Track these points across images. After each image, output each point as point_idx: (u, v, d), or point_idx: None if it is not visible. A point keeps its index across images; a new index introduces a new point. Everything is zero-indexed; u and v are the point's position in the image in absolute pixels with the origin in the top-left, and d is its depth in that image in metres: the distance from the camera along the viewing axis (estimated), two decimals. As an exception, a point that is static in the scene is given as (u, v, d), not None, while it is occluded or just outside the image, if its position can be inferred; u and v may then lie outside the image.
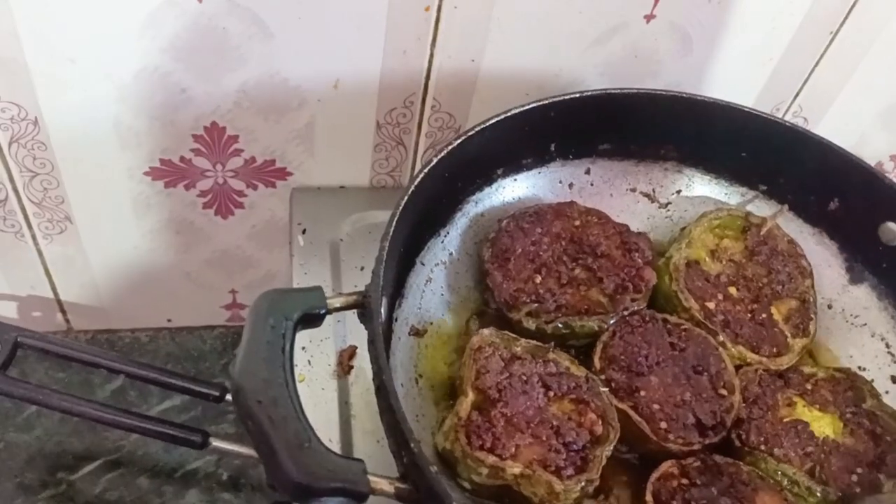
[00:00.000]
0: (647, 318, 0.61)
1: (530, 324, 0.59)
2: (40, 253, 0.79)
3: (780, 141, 0.65)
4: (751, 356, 0.61)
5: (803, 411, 0.59)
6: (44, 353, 0.73)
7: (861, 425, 0.58)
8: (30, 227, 0.76)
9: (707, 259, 0.65)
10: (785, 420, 0.58)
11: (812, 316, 0.64)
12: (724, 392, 0.58)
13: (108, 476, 0.80)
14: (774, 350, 0.61)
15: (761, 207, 0.68)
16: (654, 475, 0.54)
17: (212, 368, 0.89)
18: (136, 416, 0.75)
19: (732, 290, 0.64)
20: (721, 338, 0.61)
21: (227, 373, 0.89)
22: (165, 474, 0.81)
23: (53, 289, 0.83)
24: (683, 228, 0.67)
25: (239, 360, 0.43)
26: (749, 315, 0.63)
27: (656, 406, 0.56)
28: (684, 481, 0.53)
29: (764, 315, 0.63)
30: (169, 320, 0.90)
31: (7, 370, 0.70)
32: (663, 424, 0.56)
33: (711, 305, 0.62)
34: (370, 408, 0.63)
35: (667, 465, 0.54)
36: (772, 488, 0.54)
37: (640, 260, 0.63)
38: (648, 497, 0.53)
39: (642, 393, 0.57)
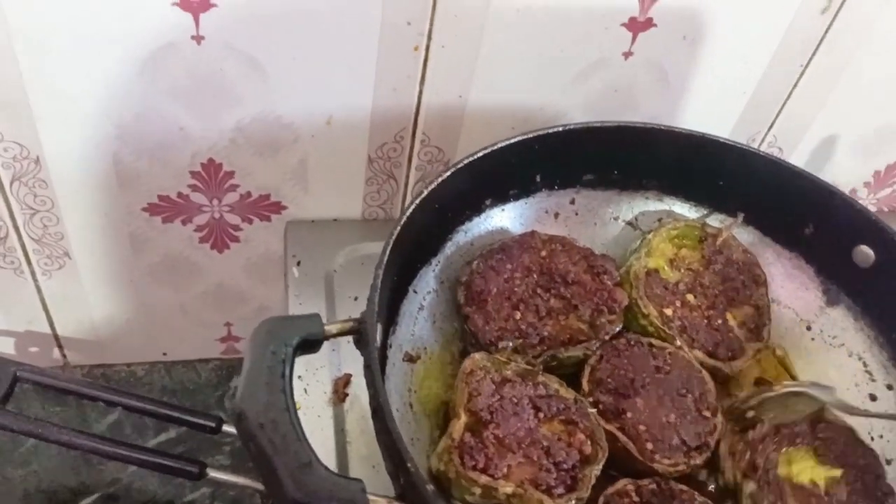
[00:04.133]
0: (633, 342, 0.63)
1: (518, 361, 0.60)
2: (39, 289, 0.80)
3: (755, 169, 0.68)
4: (707, 360, 0.63)
5: (797, 458, 0.60)
6: (42, 387, 0.75)
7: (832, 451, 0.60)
8: (29, 263, 0.77)
9: (666, 268, 0.68)
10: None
11: (766, 322, 0.67)
12: (707, 414, 0.60)
13: (104, 510, 0.81)
14: (729, 354, 0.64)
15: (739, 233, 0.70)
16: (610, 489, 0.55)
17: (207, 401, 0.90)
18: (135, 448, 0.75)
19: (690, 297, 0.67)
20: (678, 342, 0.63)
21: (222, 405, 0.90)
22: (162, 507, 0.82)
23: (51, 324, 0.84)
24: (643, 239, 0.69)
25: (241, 385, 0.45)
26: (705, 321, 0.66)
27: (643, 427, 0.58)
28: (636, 499, 0.55)
29: (720, 321, 0.66)
30: (164, 354, 0.91)
31: (6, 405, 0.71)
32: (650, 445, 0.57)
33: (669, 312, 0.65)
34: (365, 434, 0.64)
35: (623, 483, 0.56)
36: None
37: (609, 282, 0.65)
38: None
39: (629, 414, 0.59)
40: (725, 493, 0.59)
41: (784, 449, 0.60)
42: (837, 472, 0.59)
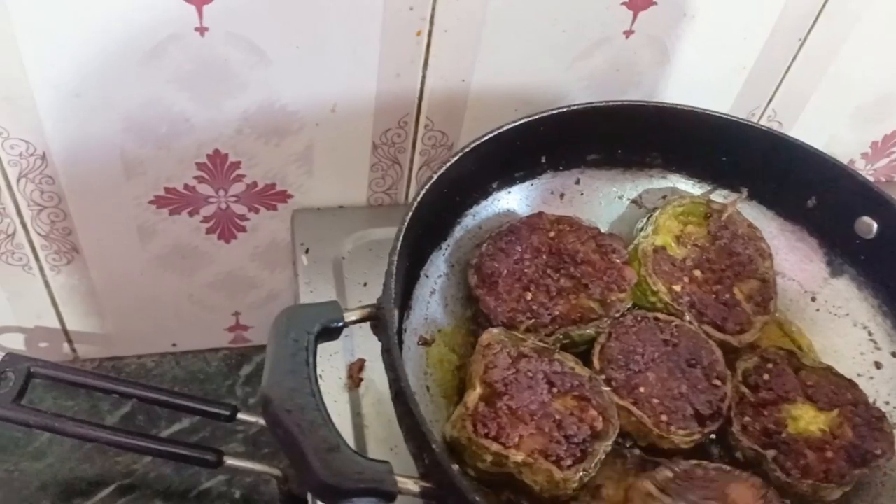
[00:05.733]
0: (640, 318, 0.64)
1: (529, 339, 0.61)
2: (47, 284, 0.80)
3: (757, 144, 0.68)
4: (716, 334, 0.64)
5: (799, 413, 0.62)
6: (56, 381, 0.75)
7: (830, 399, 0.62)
8: (37, 259, 0.77)
9: (673, 244, 0.69)
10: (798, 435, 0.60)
11: (773, 295, 0.68)
12: (717, 382, 0.61)
13: (122, 500, 0.82)
14: (738, 328, 0.65)
15: (742, 208, 0.71)
16: None
17: (218, 390, 0.91)
18: (152, 438, 0.77)
19: (697, 272, 0.67)
20: (688, 317, 0.64)
21: (233, 394, 0.91)
22: (179, 496, 0.83)
23: (60, 319, 0.85)
24: (649, 216, 0.70)
25: (266, 373, 0.46)
26: (713, 296, 0.67)
27: (656, 400, 0.59)
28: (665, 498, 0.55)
29: (727, 295, 0.67)
30: (174, 345, 0.91)
31: (21, 400, 0.71)
32: (664, 417, 0.59)
33: (678, 288, 0.66)
34: (381, 417, 0.65)
35: (643, 485, 0.56)
36: (741, 479, 0.57)
37: (618, 260, 0.66)
38: None
39: (641, 389, 0.60)
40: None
41: (785, 406, 0.61)
42: (835, 413, 0.61)
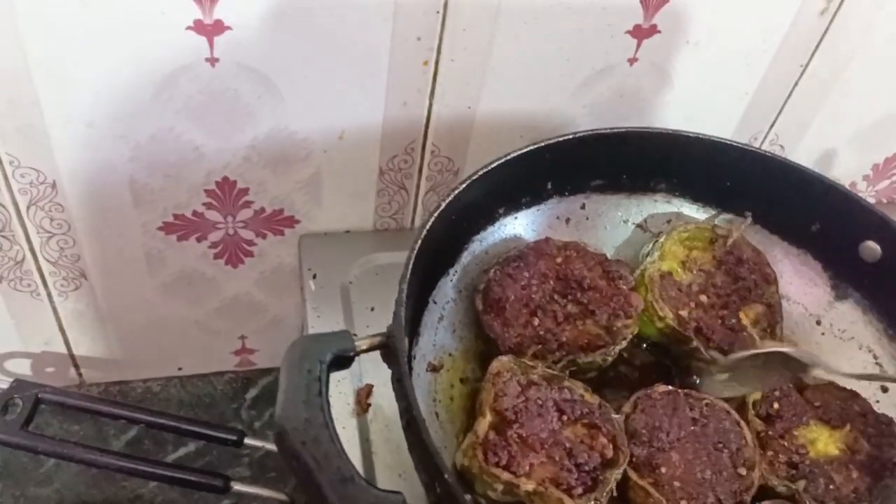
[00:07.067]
0: (669, 392, 0.61)
1: (538, 366, 0.61)
2: (55, 310, 0.81)
3: (760, 169, 0.69)
4: (722, 360, 0.64)
5: (815, 436, 0.62)
6: (64, 407, 0.75)
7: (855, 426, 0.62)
8: (45, 285, 0.78)
9: (679, 270, 0.69)
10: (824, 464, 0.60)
11: (778, 319, 0.68)
12: (743, 471, 0.58)
13: (128, 525, 0.82)
14: None
15: (747, 232, 0.72)
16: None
17: (224, 414, 0.91)
18: (158, 464, 0.77)
19: (703, 297, 0.68)
20: (694, 343, 0.64)
21: (239, 417, 0.91)
22: (185, 521, 0.83)
23: (67, 344, 0.85)
24: (655, 242, 0.70)
25: (280, 405, 0.46)
26: (720, 321, 0.67)
27: (677, 483, 0.57)
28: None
29: (734, 320, 0.67)
30: (179, 368, 0.92)
31: (28, 426, 0.72)
32: (684, 503, 0.56)
33: (685, 313, 0.66)
34: (389, 443, 0.65)
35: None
36: None
37: (624, 287, 0.66)
38: None
39: (663, 469, 0.57)
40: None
41: (801, 432, 0.62)
42: (847, 429, 0.62)
